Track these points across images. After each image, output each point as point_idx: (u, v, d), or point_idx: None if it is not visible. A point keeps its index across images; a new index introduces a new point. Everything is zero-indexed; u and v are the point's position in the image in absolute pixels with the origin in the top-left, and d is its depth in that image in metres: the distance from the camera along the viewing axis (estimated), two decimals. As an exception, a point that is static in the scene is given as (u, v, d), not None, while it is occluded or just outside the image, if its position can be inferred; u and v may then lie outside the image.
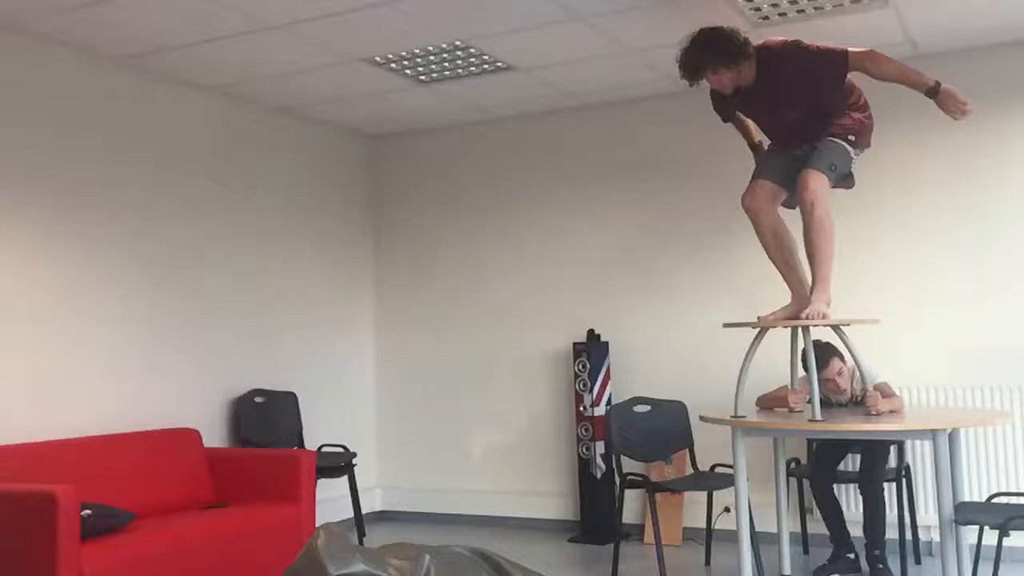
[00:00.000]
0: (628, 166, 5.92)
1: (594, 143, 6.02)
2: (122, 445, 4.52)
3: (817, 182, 3.92)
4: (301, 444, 5.62)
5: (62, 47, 4.58)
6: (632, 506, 5.57)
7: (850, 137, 3.99)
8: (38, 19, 4.25)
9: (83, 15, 4.21)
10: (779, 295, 5.35)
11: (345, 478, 5.53)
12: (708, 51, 3.82)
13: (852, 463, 4.88)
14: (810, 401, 3.98)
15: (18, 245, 4.36)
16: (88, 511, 3.72)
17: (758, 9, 4.37)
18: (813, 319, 3.88)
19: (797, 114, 3.98)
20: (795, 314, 4.05)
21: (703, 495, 4.98)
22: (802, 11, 4.41)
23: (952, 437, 4.05)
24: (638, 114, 5.88)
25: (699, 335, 5.58)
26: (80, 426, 4.51)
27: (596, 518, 5.60)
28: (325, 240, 6.26)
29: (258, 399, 5.50)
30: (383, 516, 6.40)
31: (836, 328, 4.03)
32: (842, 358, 4.30)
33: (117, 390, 4.76)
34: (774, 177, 4.15)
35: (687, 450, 5.01)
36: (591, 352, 5.69)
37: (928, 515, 4.87)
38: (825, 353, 4.27)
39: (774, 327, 4.13)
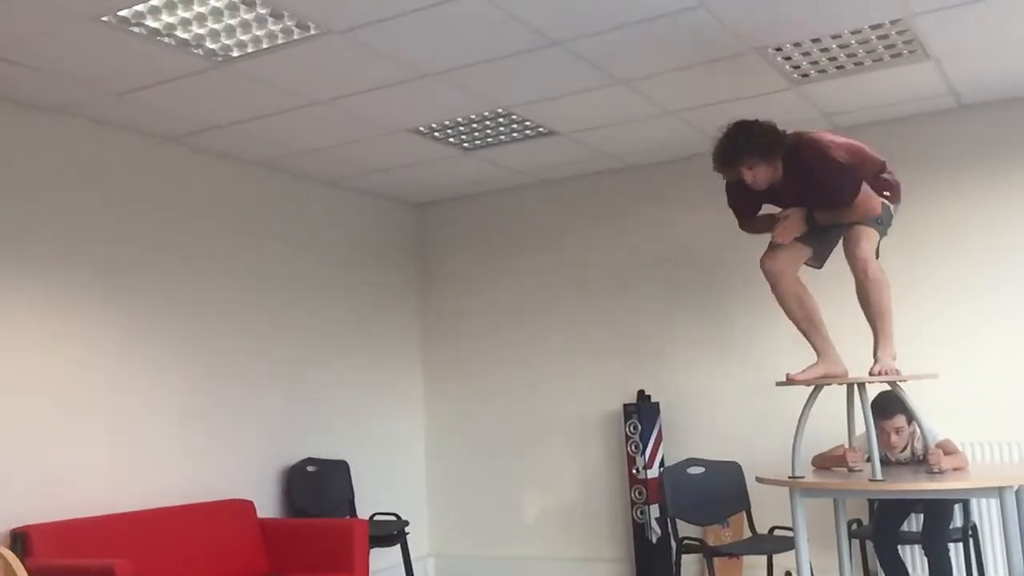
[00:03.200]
0: (673, 224, 5.92)
1: (638, 202, 6.04)
2: (178, 518, 4.56)
3: (869, 238, 3.88)
4: (353, 513, 5.61)
5: (116, 129, 4.75)
6: (690, 571, 5.44)
7: (885, 193, 3.96)
8: (92, 103, 4.42)
9: (134, 98, 4.37)
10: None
11: (398, 547, 5.49)
12: (747, 142, 3.77)
13: (916, 523, 4.73)
14: (869, 460, 3.89)
15: (70, 322, 4.47)
16: (145, 586, 3.74)
17: (797, 67, 4.39)
18: (887, 374, 3.80)
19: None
20: (828, 373, 3.97)
21: (763, 559, 4.86)
22: (841, 67, 4.42)
23: (1020, 494, 3.91)
24: (681, 173, 5.89)
25: (752, 393, 5.49)
26: (136, 500, 4.55)
27: (653, 584, 5.48)
28: (373, 308, 6.32)
29: (310, 468, 5.51)
30: (436, 584, 6.34)
31: (894, 384, 3.95)
32: (908, 417, 4.19)
33: (172, 464, 4.81)
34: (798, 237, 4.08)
35: (744, 512, 4.90)
36: (642, 413, 5.63)
37: (998, 576, 4.69)
38: (892, 404, 4.17)
39: (828, 384, 4.06)
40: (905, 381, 3.91)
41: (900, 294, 5.19)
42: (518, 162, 5.81)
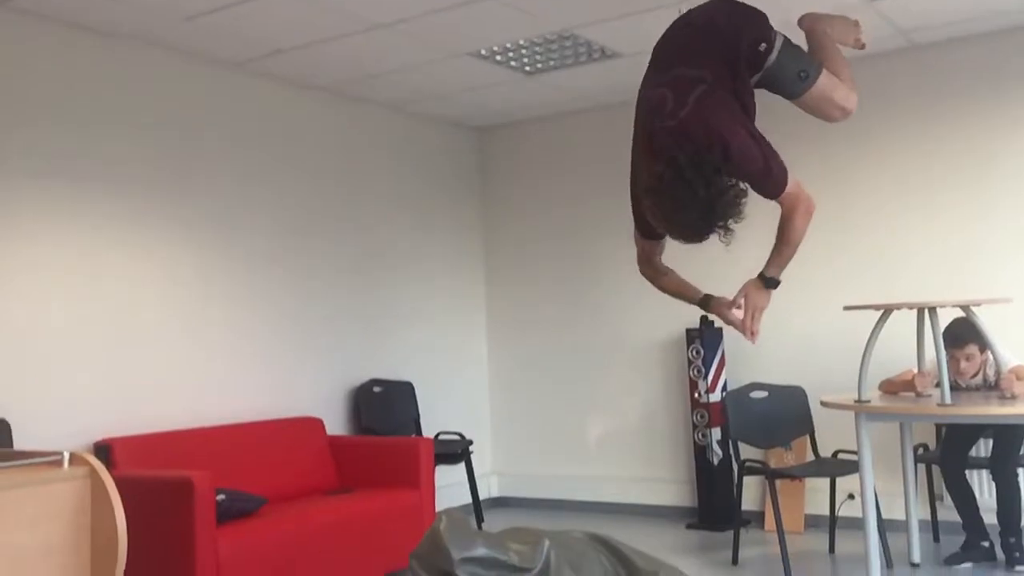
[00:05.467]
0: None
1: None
2: (251, 433, 4.73)
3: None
4: (419, 432, 5.75)
5: (182, 55, 4.79)
6: (751, 493, 5.47)
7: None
8: (161, 29, 4.46)
9: (202, 23, 4.40)
10: (903, 274, 5.17)
11: (462, 465, 5.63)
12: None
13: (984, 448, 4.68)
14: (938, 385, 3.84)
15: (150, 245, 4.60)
16: (222, 496, 3.90)
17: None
18: None
19: None
20: None
21: (825, 482, 4.86)
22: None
23: (1095, 420, 3.83)
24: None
25: (817, 318, 5.42)
26: (210, 416, 4.73)
27: (714, 505, 5.53)
28: (436, 232, 6.36)
29: (376, 389, 5.64)
30: (499, 502, 6.49)
31: (967, 308, 3.87)
32: (980, 345, 4.11)
33: (245, 382, 4.97)
34: None
35: (807, 436, 4.89)
36: (704, 338, 5.61)
37: (1069, 503, 4.62)
38: (965, 333, 4.08)
39: (898, 308, 3.99)
40: (979, 305, 3.82)
41: (976, 216, 5.07)
42: (581, 86, 5.73)
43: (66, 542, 1.80)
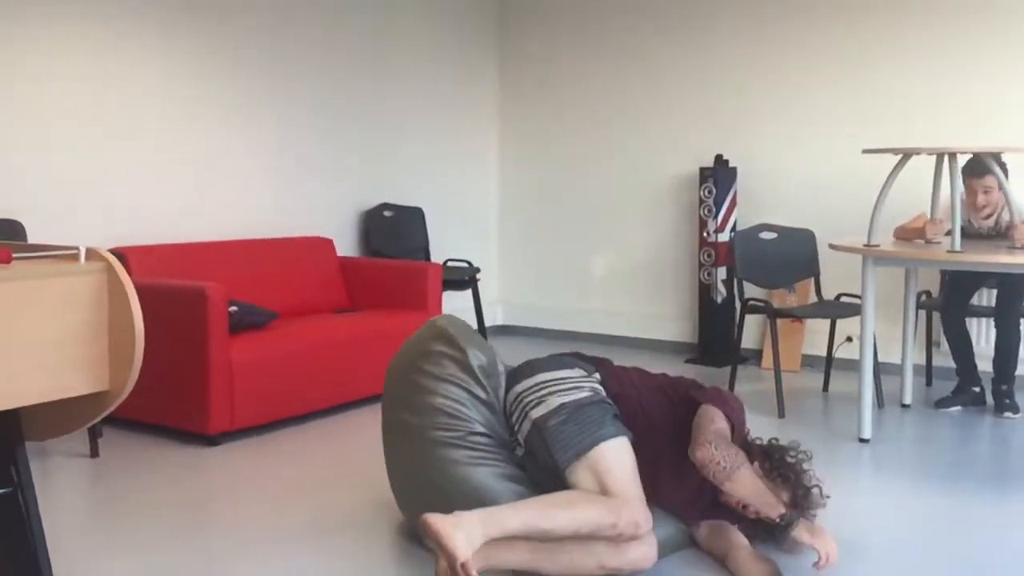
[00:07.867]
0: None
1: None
2: (263, 250, 4.78)
3: None
4: (427, 257, 5.80)
5: None
6: (751, 332, 5.58)
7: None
8: None
9: None
10: (921, 119, 5.07)
11: (469, 292, 5.72)
12: None
13: (986, 298, 4.72)
14: (949, 232, 3.83)
15: (165, 63, 4.50)
16: (235, 308, 3.99)
17: None
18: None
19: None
20: None
21: (825, 324, 4.94)
22: None
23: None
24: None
25: (833, 161, 5.36)
26: (222, 232, 4.77)
27: (714, 341, 5.65)
28: (451, 57, 6.20)
29: (387, 213, 5.66)
30: (504, 330, 6.63)
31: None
32: (1000, 179, 4.05)
33: (257, 200, 4.98)
34: None
35: (812, 279, 4.93)
36: (718, 177, 5.56)
37: (1064, 355, 4.70)
38: (986, 164, 4.01)
39: (917, 154, 3.93)
40: (1001, 153, 3.76)
41: (1000, 62, 4.91)
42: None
43: (84, 334, 1.85)
